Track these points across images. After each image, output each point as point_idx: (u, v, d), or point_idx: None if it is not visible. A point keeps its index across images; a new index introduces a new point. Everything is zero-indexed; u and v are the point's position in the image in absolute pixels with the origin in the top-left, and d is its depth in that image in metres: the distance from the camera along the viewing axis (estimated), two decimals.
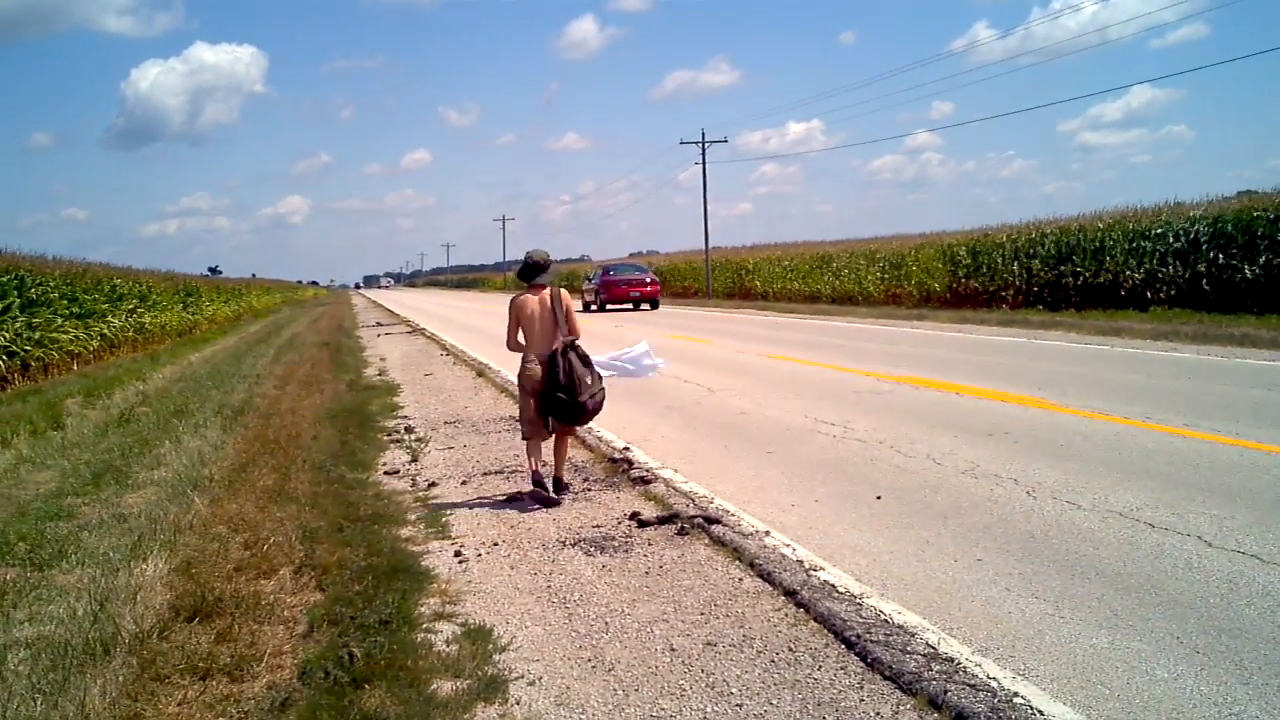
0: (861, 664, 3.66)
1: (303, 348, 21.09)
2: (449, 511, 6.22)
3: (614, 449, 7.88)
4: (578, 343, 6.36)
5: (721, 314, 29.25)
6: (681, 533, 5.45)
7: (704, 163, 44.82)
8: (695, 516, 5.67)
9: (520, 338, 6.43)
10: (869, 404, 9.65)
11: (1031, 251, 24.68)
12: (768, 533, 5.35)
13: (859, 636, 3.84)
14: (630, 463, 7.29)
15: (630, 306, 32.56)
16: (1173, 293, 20.19)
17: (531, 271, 6.48)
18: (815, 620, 4.08)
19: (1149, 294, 20.69)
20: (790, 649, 3.82)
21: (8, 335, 15.95)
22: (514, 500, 6.44)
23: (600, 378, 6.42)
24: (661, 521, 5.66)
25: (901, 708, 3.31)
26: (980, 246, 26.96)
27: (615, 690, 3.54)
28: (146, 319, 25.48)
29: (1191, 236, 20.17)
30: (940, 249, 28.93)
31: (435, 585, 4.73)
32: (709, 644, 3.90)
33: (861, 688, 3.47)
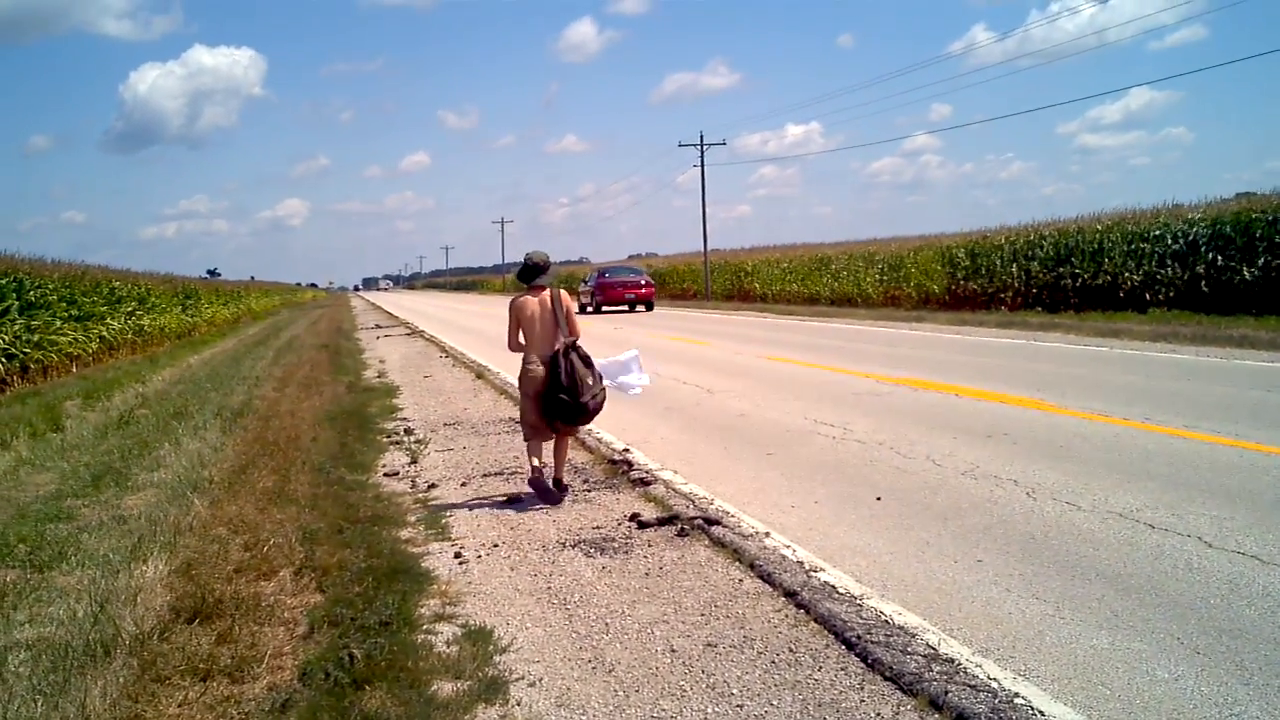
0: (862, 665, 3.66)
1: (302, 350, 21.08)
2: (449, 513, 6.22)
3: (614, 450, 7.88)
4: (578, 343, 6.37)
5: (720, 316, 29.25)
6: (681, 534, 5.45)
7: (703, 165, 44.94)
8: (695, 518, 5.67)
9: (521, 339, 6.45)
10: (868, 405, 9.65)
11: (1030, 253, 24.70)
12: (768, 534, 5.35)
13: (859, 637, 3.84)
14: (630, 464, 7.29)
15: (625, 308, 32.92)
16: (1171, 294, 20.21)
17: (531, 273, 6.49)
18: (816, 621, 4.08)
19: (1148, 295, 20.72)
20: (791, 650, 3.82)
21: (7, 338, 15.94)
22: (514, 502, 6.44)
23: (601, 377, 6.44)
24: (661, 523, 5.66)
25: (902, 708, 3.31)
26: (979, 248, 26.98)
27: (616, 691, 3.54)
28: (145, 321, 25.48)
29: (1190, 238, 20.19)
30: (939, 251, 28.94)
31: (435, 586, 4.73)
32: (709, 645, 3.90)
33: (862, 688, 3.47)
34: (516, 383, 6.84)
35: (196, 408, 11.05)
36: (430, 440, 8.87)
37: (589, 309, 33.05)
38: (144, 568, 4.76)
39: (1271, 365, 11.56)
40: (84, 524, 6.09)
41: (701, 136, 44.77)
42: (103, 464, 8.09)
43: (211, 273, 67.05)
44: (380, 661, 3.71)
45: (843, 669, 3.64)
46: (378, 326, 31.57)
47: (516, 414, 8.24)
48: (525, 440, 6.63)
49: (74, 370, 18.34)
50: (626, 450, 7.86)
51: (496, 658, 3.87)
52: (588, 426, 7.31)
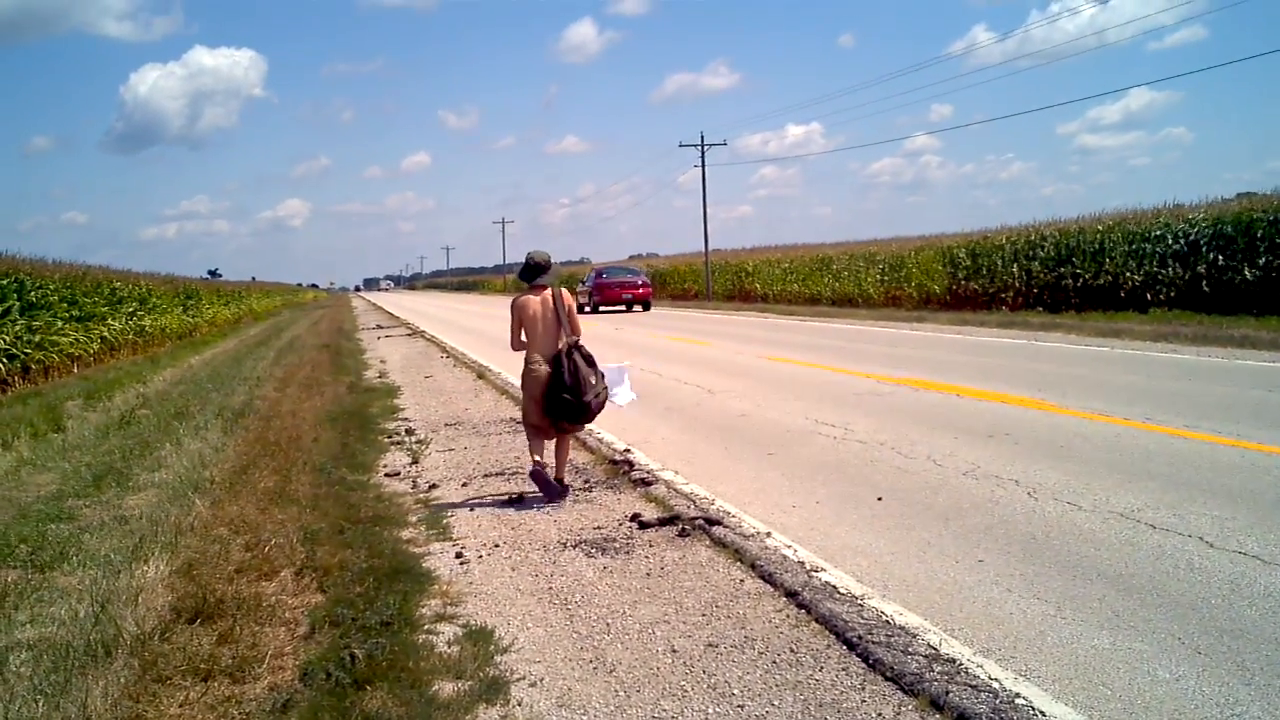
0: (863, 665, 3.66)
1: (303, 350, 21.09)
2: (450, 513, 6.22)
3: (615, 451, 7.88)
4: (581, 343, 6.39)
5: (721, 316, 29.25)
6: (683, 534, 5.45)
7: (703, 165, 44.89)
8: (696, 518, 5.67)
9: (523, 338, 6.46)
10: (869, 405, 9.65)
11: (1031, 253, 24.69)
12: (769, 534, 5.35)
13: (860, 638, 3.84)
14: (631, 464, 7.29)
15: (623, 308, 33.19)
16: (1172, 294, 20.20)
17: (533, 272, 6.50)
18: (817, 621, 4.08)
19: (1149, 296, 20.70)
20: (792, 650, 3.82)
21: (8, 338, 15.96)
22: (515, 502, 6.44)
23: (603, 376, 6.46)
24: (663, 523, 5.66)
25: (903, 709, 3.31)
26: (980, 248, 26.97)
27: (617, 691, 3.54)
28: (146, 322, 25.50)
29: (1191, 238, 20.18)
30: (940, 251, 28.93)
31: (436, 587, 4.73)
32: (710, 645, 3.90)
33: (863, 689, 3.47)
34: (518, 382, 6.84)
35: (198, 408, 11.06)
36: (431, 440, 8.87)
37: (586, 309, 33.13)
38: (145, 568, 4.76)
39: (1273, 365, 11.55)
40: (85, 524, 6.10)
41: (702, 137, 44.79)
42: (104, 464, 8.09)
43: (212, 273, 67.21)
44: (381, 662, 3.71)
45: (844, 669, 3.64)
46: (379, 327, 31.58)
47: (518, 414, 8.24)
48: (528, 439, 6.64)
49: (75, 370, 18.35)
50: (627, 450, 7.86)
51: (497, 658, 3.87)
52: (589, 426, 7.32)
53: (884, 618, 4.05)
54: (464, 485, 7.04)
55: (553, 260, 6.69)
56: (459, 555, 5.29)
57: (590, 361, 6.36)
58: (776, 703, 3.38)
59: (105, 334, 21.35)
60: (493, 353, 17.09)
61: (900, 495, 6.09)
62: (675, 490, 6.48)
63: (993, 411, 8.96)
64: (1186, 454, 6.82)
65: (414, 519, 6.07)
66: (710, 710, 3.35)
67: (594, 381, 6.30)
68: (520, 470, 7.25)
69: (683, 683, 3.58)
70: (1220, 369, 11.48)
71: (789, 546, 5.10)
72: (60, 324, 18.49)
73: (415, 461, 7.95)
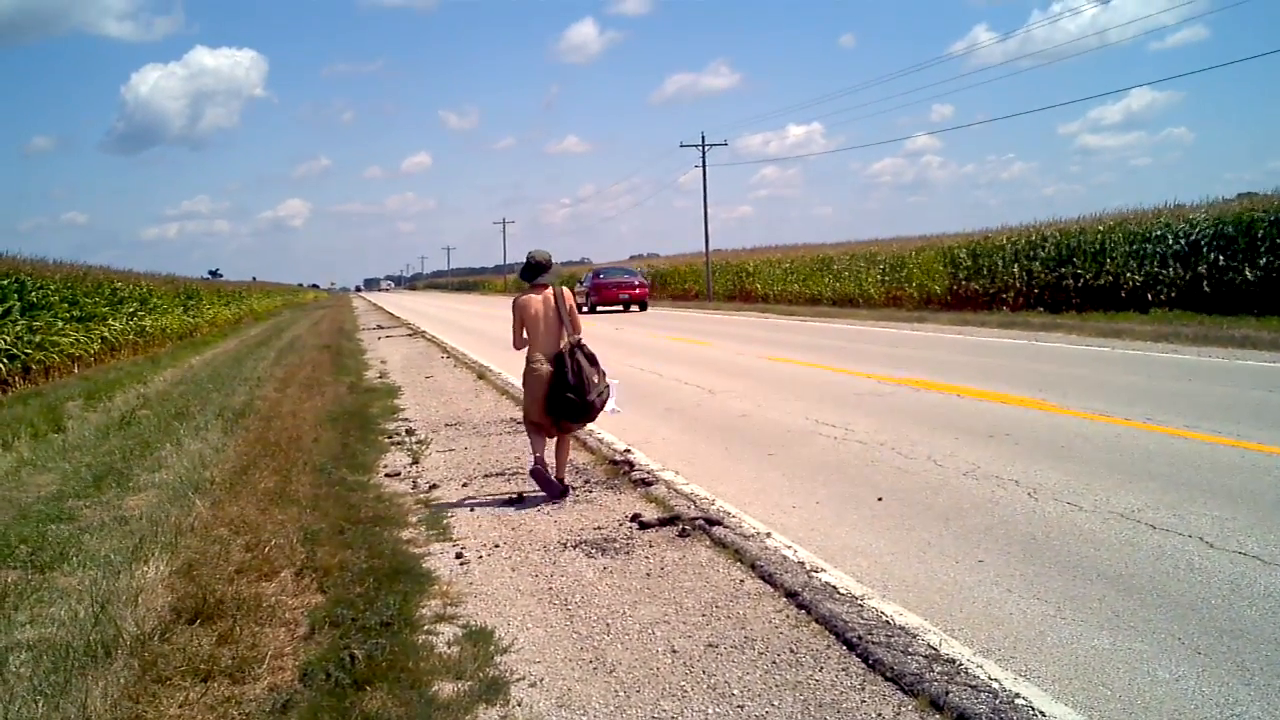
0: (863, 665, 3.66)
1: (303, 350, 21.10)
2: (450, 513, 6.22)
3: (615, 451, 7.88)
4: (583, 341, 6.41)
5: (722, 316, 29.26)
6: (683, 534, 5.45)
7: (704, 165, 44.88)
8: (696, 518, 5.67)
9: (525, 337, 6.47)
10: (870, 406, 9.65)
11: (1032, 254, 24.69)
12: (769, 534, 5.35)
13: (860, 638, 3.84)
14: (631, 465, 7.29)
15: (620, 308, 33.41)
16: (1173, 295, 20.19)
17: (534, 271, 6.52)
18: (817, 622, 4.08)
19: (1149, 296, 20.70)
20: (792, 650, 3.82)
21: (9, 338, 15.97)
22: (515, 502, 6.45)
23: (605, 374, 6.47)
24: (663, 523, 5.66)
25: (903, 709, 3.31)
26: (980, 249, 26.96)
27: (617, 692, 3.54)
28: (147, 322, 25.51)
29: (1192, 238, 20.17)
30: (940, 251, 28.93)
31: (436, 587, 4.73)
32: (710, 645, 3.90)
33: (863, 689, 3.47)
34: (519, 382, 6.84)
35: (198, 408, 11.06)
36: (432, 441, 8.88)
37: (584, 309, 33.24)
38: (145, 568, 4.76)
39: (1273, 365, 11.55)
40: (85, 525, 6.10)
41: (703, 137, 44.77)
42: (104, 465, 8.10)
43: (213, 273, 67.21)
44: (381, 662, 3.71)
45: (844, 669, 3.64)
46: (379, 327, 31.60)
47: (518, 414, 8.25)
48: (529, 437, 6.65)
49: (76, 371, 18.36)
50: (628, 451, 7.86)
51: (497, 658, 3.87)
52: (589, 425, 7.32)
53: (884, 618, 4.05)
54: (464, 485, 7.04)
55: (553, 260, 6.70)
56: (459, 555, 5.29)
57: (592, 360, 6.38)
58: (776, 703, 3.38)
59: (106, 334, 21.37)
60: (493, 353, 17.10)
61: (900, 495, 6.09)
62: (675, 490, 6.48)
63: (993, 412, 8.96)
64: (1187, 454, 6.82)
65: (414, 519, 6.07)
66: (710, 710, 3.35)
67: (596, 380, 6.32)
68: (520, 470, 7.25)
69: (683, 683, 3.58)
70: (1221, 369, 11.48)
71: (789, 547, 5.10)
72: (61, 324, 18.51)
73: (415, 462, 7.95)
